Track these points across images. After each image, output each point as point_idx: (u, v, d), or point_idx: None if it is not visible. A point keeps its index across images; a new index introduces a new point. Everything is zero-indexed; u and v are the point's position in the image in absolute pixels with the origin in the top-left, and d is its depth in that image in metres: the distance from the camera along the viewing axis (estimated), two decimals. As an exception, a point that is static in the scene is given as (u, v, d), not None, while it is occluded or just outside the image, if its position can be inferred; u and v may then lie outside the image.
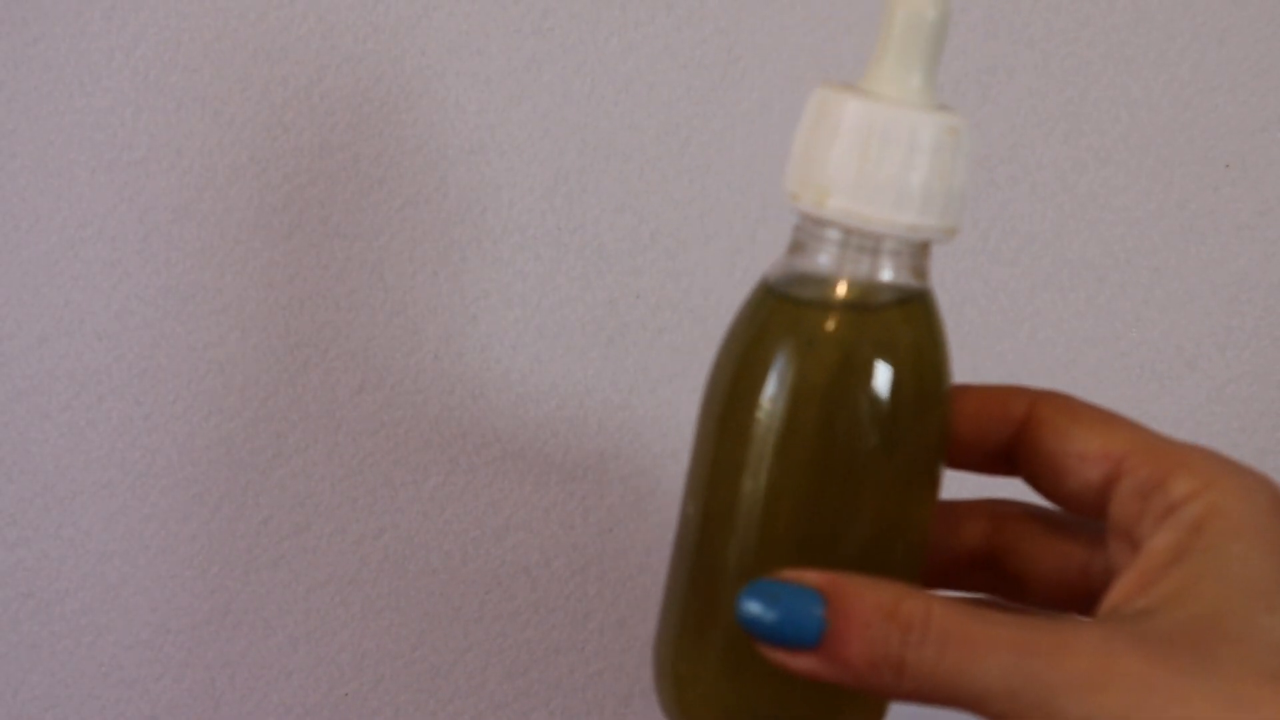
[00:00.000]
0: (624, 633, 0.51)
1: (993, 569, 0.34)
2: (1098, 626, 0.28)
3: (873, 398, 0.30)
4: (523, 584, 0.50)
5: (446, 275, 0.48)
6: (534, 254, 0.48)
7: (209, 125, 0.47)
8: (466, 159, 0.48)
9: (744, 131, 0.49)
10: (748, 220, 0.49)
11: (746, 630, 0.29)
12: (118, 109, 0.46)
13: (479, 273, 0.48)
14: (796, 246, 0.32)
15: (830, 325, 0.31)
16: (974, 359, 0.51)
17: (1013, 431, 0.32)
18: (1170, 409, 0.52)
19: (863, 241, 0.31)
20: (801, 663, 0.29)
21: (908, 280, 0.31)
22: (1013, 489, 0.36)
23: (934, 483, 0.32)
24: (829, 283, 0.31)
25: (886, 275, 0.31)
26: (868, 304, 0.31)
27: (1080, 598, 0.33)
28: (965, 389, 0.33)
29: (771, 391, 0.31)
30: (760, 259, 0.50)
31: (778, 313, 0.32)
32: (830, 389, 0.31)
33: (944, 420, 0.32)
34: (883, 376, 0.30)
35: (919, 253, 0.31)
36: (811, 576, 0.29)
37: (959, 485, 0.34)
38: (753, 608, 0.29)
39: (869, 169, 0.30)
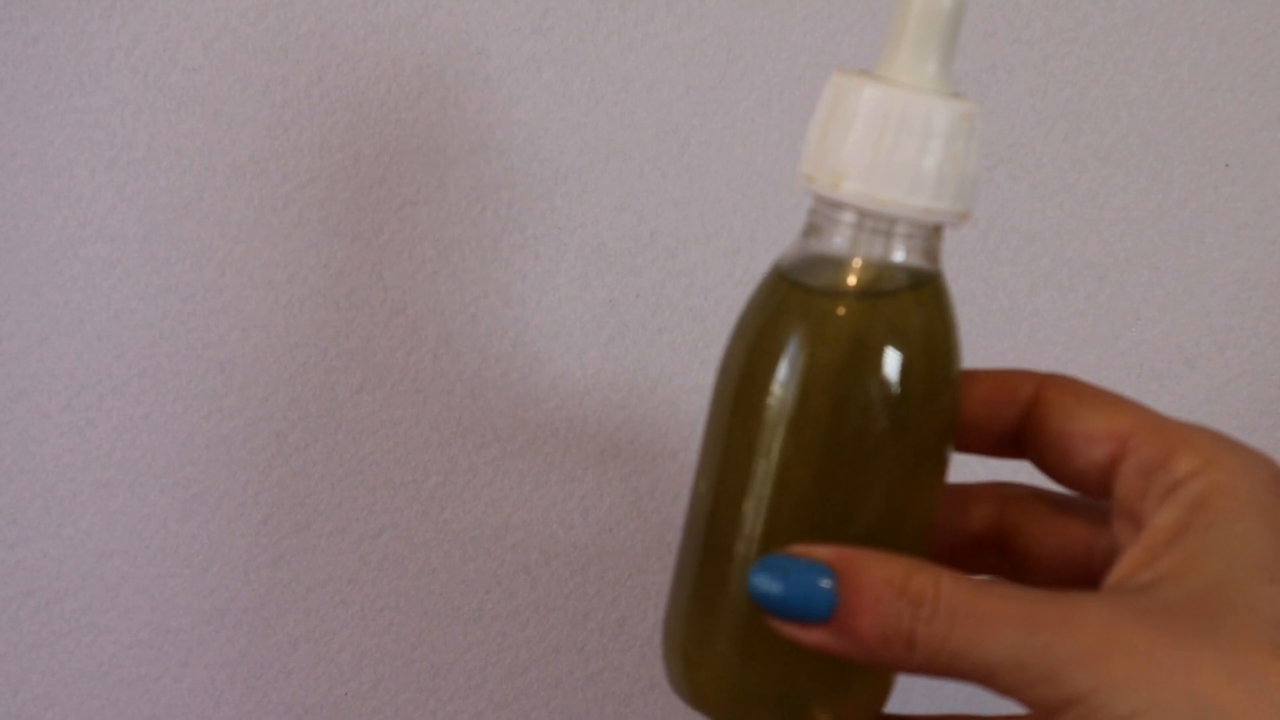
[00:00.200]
0: (624, 632, 0.51)
1: (999, 550, 0.35)
2: (1103, 600, 0.28)
3: (884, 382, 0.31)
4: (522, 583, 0.50)
5: (446, 275, 0.48)
6: (533, 253, 0.48)
7: (209, 125, 0.47)
8: (466, 159, 0.48)
9: (743, 131, 0.49)
10: (747, 220, 0.49)
11: (758, 604, 0.29)
12: (118, 109, 0.46)
13: (478, 272, 0.48)
14: (811, 229, 0.32)
15: (842, 310, 0.31)
16: (974, 358, 0.51)
17: (1020, 413, 0.33)
18: (1170, 408, 0.51)
19: (876, 224, 0.31)
20: (812, 636, 0.29)
21: (920, 263, 0.31)
22: (1019, 474, 0.36)
23: (943, 465, 0.32)
24: (843, 265, 0.31)
25: (899, 258, 0.31)
26: (879, 289, 0.31)
27: (1084, 578, 0.33)
28: (974, 373, 0.33)
29: (784, 375, 0.31)
30: (760, 258, 0.50)
31: (790, 298, 0.32)
32: (842, 373, 0.31)
33: (954, 403, 0.32)
34: (894, 361, 0.31)
35: (931, 236, 0.31)
36: (822, 551, 0.29)
37: (966, 469, 0.34)
38: (764, 582, 0.29)
39: (884, 153, 0.30)
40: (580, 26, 0.47)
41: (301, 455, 0.49)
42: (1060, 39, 0.50)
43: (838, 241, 0.31)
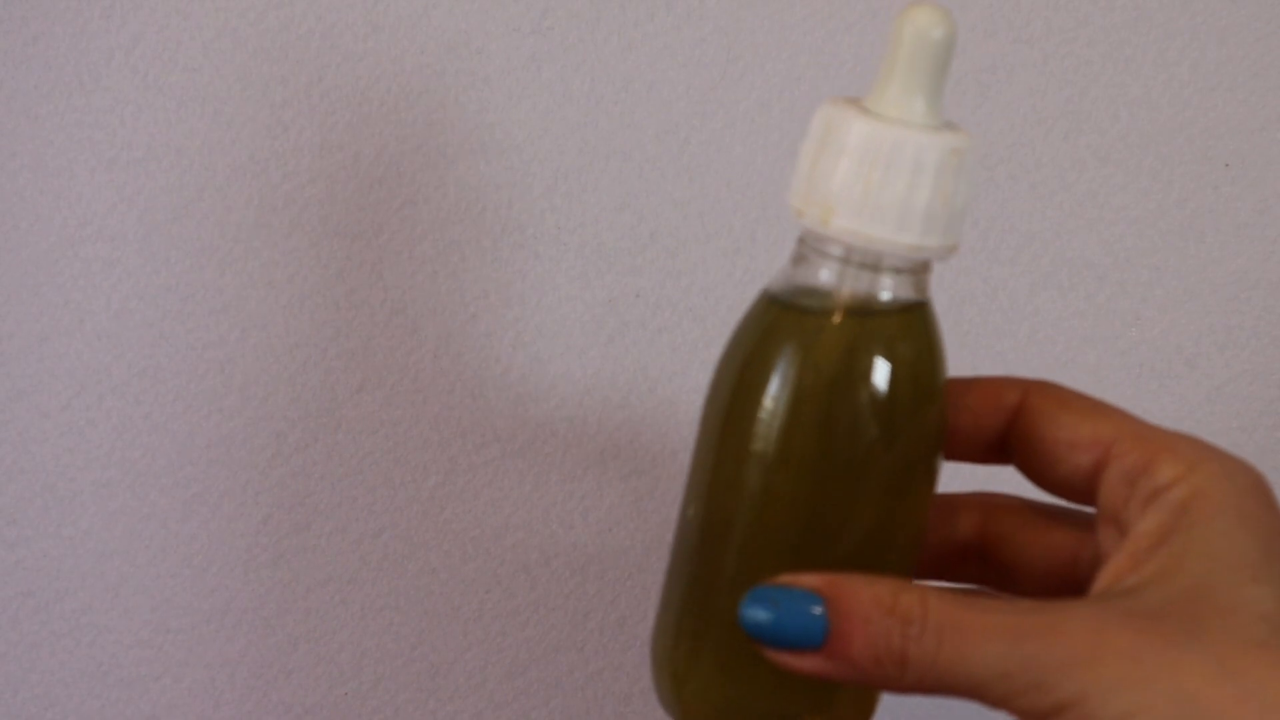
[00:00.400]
0: (623, 632, 0.51)
1: (984, 560, 0.35)
2: (1087, 605, 0.29)
3: (870, 408, 0.31)
4: (522, 583, 0.50)
5: (446, 274, 0.48)
6: (533, 253, 0.48)
7: (209, 125, 0.47)
8: (466, 159, 0.48)
9: (743, 131, 0.49)
10: (747, 220, 0.49)
11: (751, 636, 0.30)
12: (118, 109, 0.46)
13: (478, 272, 0.48)
14: (799, 259, 0.32)
15: (829, 337, 0.31)
16: (974, 358, 0.51)
17: (1007, 420, 0.33)
18: (1170, 407, 0.52)
19: (864, 258, 0.31)
20: (807, 663, 0.29)
21: (908, 294, 0.32)
22: (1005, 483, 0.36)
23: (930, 485, 0.33)
24: (830, 297, 0.32)
25: (886, 291, 0.31)
26: (866, 316, 0.32)
27: (1069, 585, 0.33)
28: (962, 381, 0.34)
29: (772, 401, 0.31)
30: (760, 259, 0.50)
31: (778, 324, 0.32)
32: (829, 400, 0.31)
33: (939, 426, 0.32)
34: (880, 387, 0.31)
35: (920, 270, 0.32)
36: (810, 579, 0.30)
37: (955, 478, 0.34)
38: (756, 614, 0.29)
39: (873, 190, 0.30)
40: (580, 26, 0.47)
41: (301, 455, 0.49)
42: (1060, 39, 0.50)
43: (825, 274, 0.32)
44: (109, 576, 0.49)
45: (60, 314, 0.47)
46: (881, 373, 0.31)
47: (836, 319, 0.32)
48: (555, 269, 0.49)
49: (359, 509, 0.49)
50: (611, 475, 0.50)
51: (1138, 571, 0.29)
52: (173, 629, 0.49)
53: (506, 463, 0.49)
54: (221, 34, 0.46)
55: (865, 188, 0.30)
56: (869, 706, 0.33)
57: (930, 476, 0.33)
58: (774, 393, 0.31)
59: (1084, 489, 0.32)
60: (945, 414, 0.33)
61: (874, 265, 0.31)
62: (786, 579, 0.30)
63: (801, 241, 0.32)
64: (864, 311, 0.32)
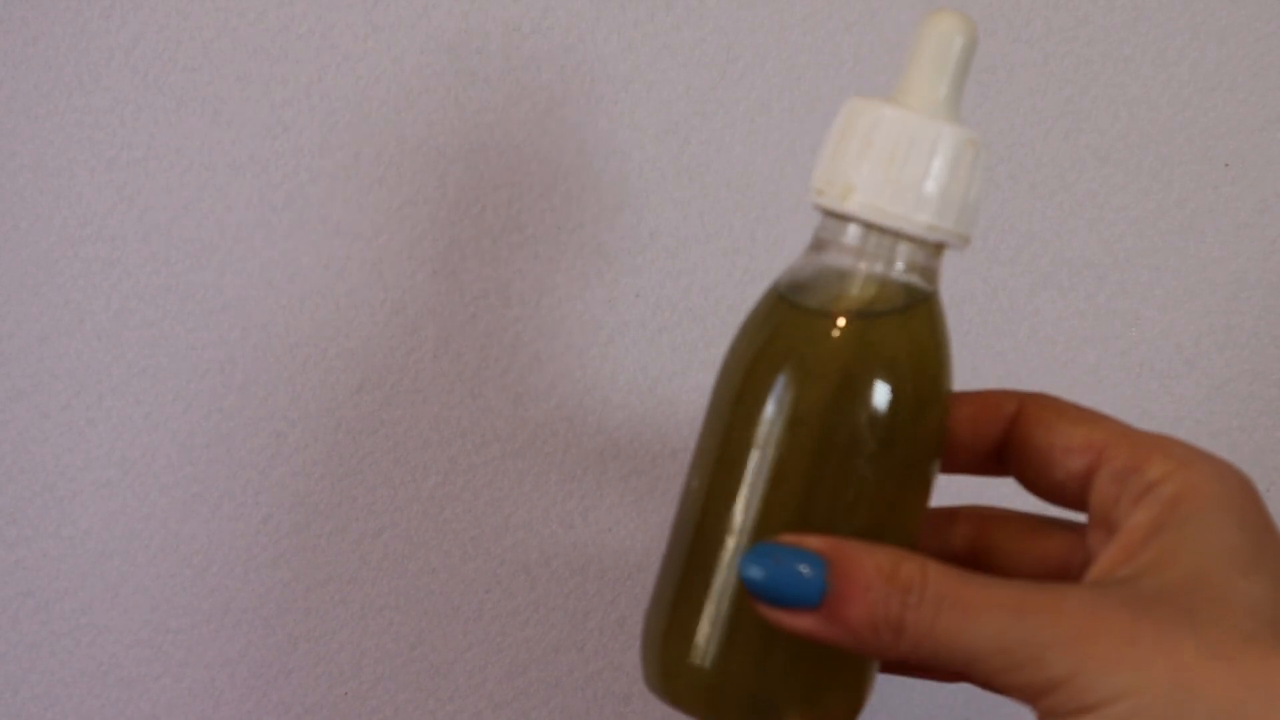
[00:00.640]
0: (623, 632, 0.51)
1: (976, 569, 0.35)
2: (1086, 588, 0.29)
3: (874, 400, 0.32)
4: (522, 583, 0.50)
5: (445, 274, 0.48)
6: (533, 253, 0.48)
7: (209, 125, 0.47)
8: (466, 158, 0.48)
9: (743, 131, 0.49)
10: (747, 220, 0.49)
11: (748, 590, 0.30)
12: (118, 109, 0.46)
13: (478, 272, 0.48)
14: (817, 244, 0.33)
15: (836, 330, 0.32)
16: (974, 358, 0.51)
17: (1003, 430, 0.34)
18: (1169, 407, 0.52)
19: (880, 241, 0.32)
20: (801, 622, 0.30)
21: (919, 283, 0.33)
22: (995, 498, 0.37)
23: (928, 479, 0.33)
24: (844, 281, 0.33)
25: (899, 276, 0.33)
26: (874, 310, 0.33)
27: None
28: (959, 395, 0.34)
29: (777, 392, 0.32)
30: (760, 259, 0.50)
31: (787, 317, 0.33)
32: (834, 391, 0.32)
33: (942, 418, 0.33)
34: (884, 380, 0.32)
35: (932, 255, 0.33)
36: (812, 541, 0.30)
37: (943, 494, 0.35)
38: (754, 567, 0.30)
39: (893, 170, 0.32)
40: (580, 26, 0.48)
41: (301, 455, 0.49)
42: (1060, 39, 0.50)
43: (842, 257, 0.33)
44: (109, 576, 0.49)
45: (60, 314, 0.47)
46: (885, 371, 0.32)
47: (848, 310, 0.33)
48: (555, 268, 0.49)
49: (359, 509, 0.49)
50: (611, 475, 0.50)
51: (1131, 563, 0.30)
52: (173, 629, 0.49)
53: (506, 463, 0.49)
54: (221, 34, 0.46)
55: (885, 168, 0.32)
56: (857, 703, 0.33)
57: (929, 468, 0.33)
58: (779, 385, 0.32)
59: (1077, 493, 0.33)
60: (948, 409, 0.33)
61: (890, 249, 0.32)
62: (790, 538, 0.30)
63: (820, 227, 0.33)
64: (874, 301, 0.33)
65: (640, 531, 0.50)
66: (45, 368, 0.47)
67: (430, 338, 0.48)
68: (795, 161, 0.49)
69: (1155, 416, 0.51)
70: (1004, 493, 0.36)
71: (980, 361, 0.51)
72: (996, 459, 0.35)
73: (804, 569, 0.30)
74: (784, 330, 0.33)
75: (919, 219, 0.32)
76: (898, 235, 0.32)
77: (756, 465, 0.32)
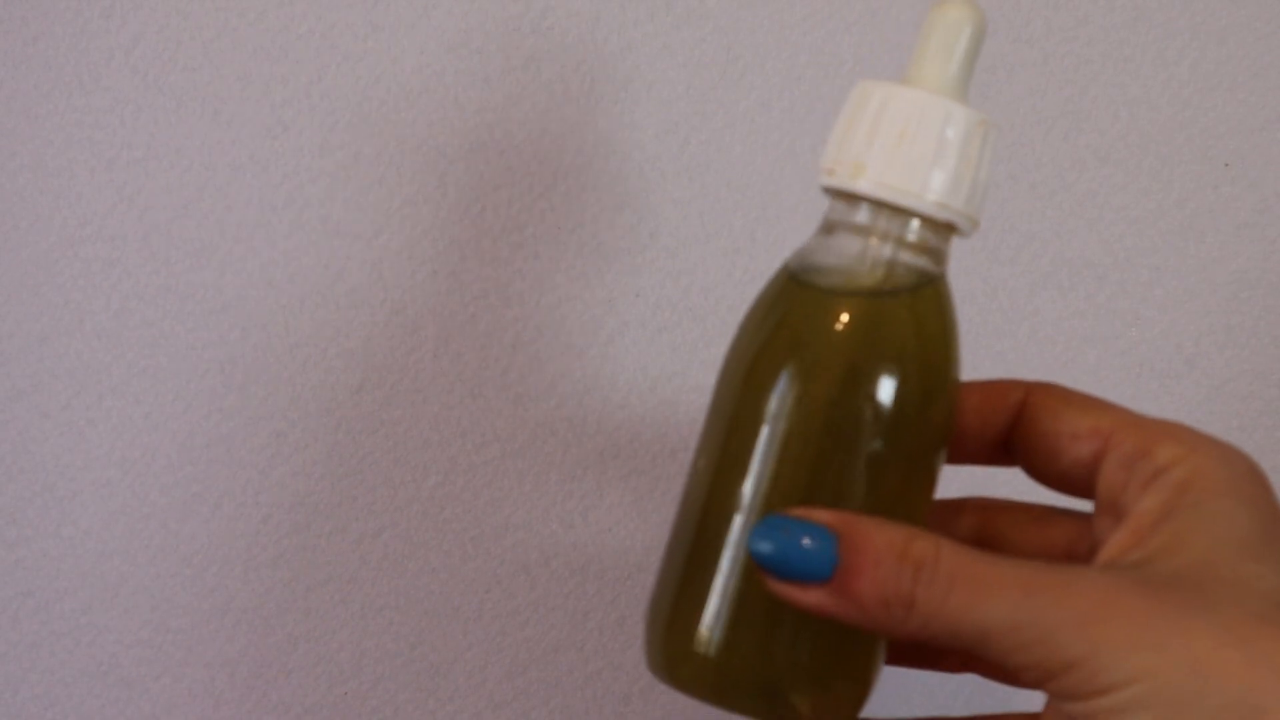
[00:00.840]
0: (623, 631, 0.51)
1: None
2: (1099, 570, 0.29)
3: (883, 382, 0.32)
4: (522, 583, 0.50)
5: (445, 274, 0.48)
6: (532, 252, 0.48)
7: (209, 125, 0.47)
8: (466, 158, 0.48)
9: (743, 131, 0.49)
10: (747, 219, 0.49)
11: (758, 564, 0.30)
12: (118, 109, 0.46)
13: (478, 271, 0.48)
14: (827, 227, 0.33)
15: (845, 312, 0.32)
16: (974, 357, 0.51)
17: (1010, 418, 0.34)
18: (1169, 407, 0.52)
19: (890, 221, 0.32)
20: (811, 597, 0.29)
21: (927, 265, 0.33)
22: (1000, 489, 0.36)
23: (936, 461, 0.33)
24: (854, 263, 0.33)
25: (908, 258, 0.33)
26: (883, 290, 0.33)
27: None
28: (966, 385, 0.34)
29: (787, 374, 0.32)
30: (760, 259, 0.50)
31: (797, 297, 0.33)
32: (843, 375, 0.32)
33: (950, 400, 0.33)
34: (894, 361, 0.32)
35: (941, 237, 0.33)
36: (823, 515, 0.30)
37: (948, 485, 0.35)
38: (764, 541, 0.30)
39: (904, 149, 0.32)
40: (580, 26, 0.48)
41: (301, 455, 0.49)
42: (1060, 39, 0.50)
43: (852, 238, 0.33)
44: (109, 576, 0.49)
45: (60, 314, 0.47)
46: (894, 349, 0.32)
47: (852, 293, 0.33)
48: (554, 268, 0.49)
49: (359, 509, 0.49)
50: (611, 475, 0.50)
51: (1141, 547, 0.29)
52: (173, 629, 0.49)
53: (506, 463, 0.49)
54: (221, 34, 0.46)
55: (896, 147, 0.32)
56: (864, 690, 0.33)
57: (939, 450, 0.33)
58: (789, 367, 0.32)
59: (1085, 479, 0.33)
60: (957, 390, 0.33)
61: (899, 230, 0.32)
62: (800, 511, 0.30)
63: (830, 209, 0.33)
64: (883, 283, 0.33)
65: (640, 531, 0.50)
66: (45, 368, 0.47)
67: (430, 338, 0.48)
68: (795, 162, 0.49)
69: (1155, 416, 0.51)
70: (1010, 487, 0.36)
71: (980, 361, 0.51)
72: (1003, 448, 0.34)
73: (814, 542, 0.29)
74: (794, 311, 0.33)
75: (929, 197, 0.32)
76: (908, 213, 0.32)
77: (765, 446, 0.32)
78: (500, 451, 0.49)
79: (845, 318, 0.32)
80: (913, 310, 0.33)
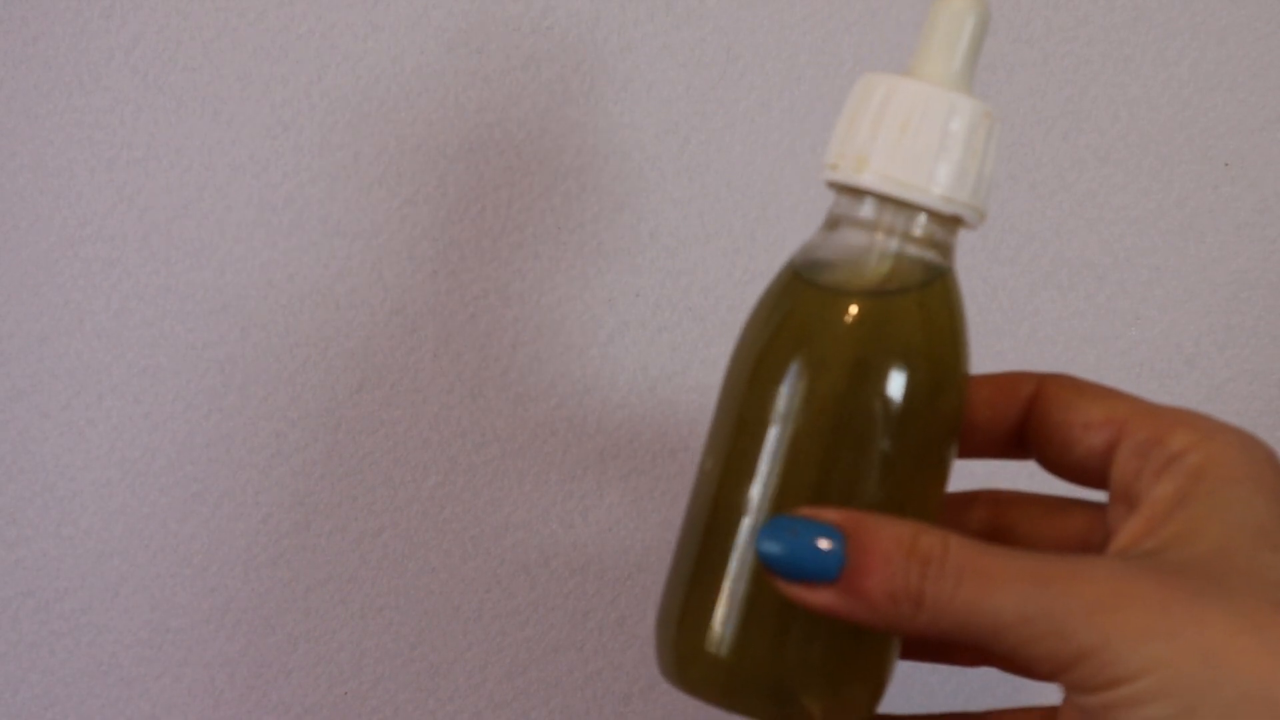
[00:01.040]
0: (623, 631, 0.51)
1: None
2: (1110, 558, 0.29)
3: (892, 380, 0.31)
4: (522, 583, 0.50)
5: (445, 274, 0.48)
6: (532, 252, 0.48)
7: (209, 125, 0.47)
8: (466, 158, 0.48)
9: (743, 131, 0.49)
10: (747, 219, 0.49)
11: (766, 566, 0.29)
12: (118, 109, 0.46)
13: (478, 271, 0.48)
14: (831, 222, 0.33)
15: (852, 309, 0.32)
16: (974, 357, 0.51)
17: (1023, 411, 0.34)
18: (1170, 408, 0.52)
19: (895, 214, 0.32)
20: (819, 597, 0.29)
21: (935, 259, 0.32)
22: (1009, 483, 0.36)
23: (946, 458, 0.33)
24: (860, 258, 0.32)
25: (915, 252, 0.32)
26: (891, 287, 0.32)
27: None
28: (977, 378, 0.34)
29: (794, 372, 0.32)
30: (760, 259, 0.50)
31: (803, 295, 0.33)
32: (851, 373, 0.32)
33: (960, 396, 0.33)
34: (902, 359, 0.32)
35: (948, 230, 0.32)
36: (830, 514, 0.29)
37: (956, 480, 0.34)
38: (771, 542, 0.29)
39: (908, 141, 0.31)
40: (580, 26, 0.48)
41: (301, 455, 0.49)
42: (1060, 39, 0.50)
43: (857, 233, 0.32)
44: (109, 576, 0.49)
45: (60, 314, 0.47)
46: (903, 347, 0.32)
47: (859, 290, 0.32)
48: (554, 268, 0.49)
49: (359, 509, 0.49)
50: (611, 475, 0.50)
51: (1155, 535, 0.29)
52: (173, 629, 0.49)
53: (506, 463, 0.49)
54: (221, 34, 0.46)
55: (899, 138, 0.31)
56: (877, 691, 0.33)
57: (949, 447, 0.33)
58: (796, 366, 0.32)
59: (1099, 471, 0.32)
60: (966, 387, 0.33)
61: (905, 224, 0.32)
62: (807, 511, 0.30)
63: (835, 204, 0.33)
64: (890, 278, 0.32)
65: (640, 531, 0.50)
66: (45, 368, 0.47)
67: (430, 338, 0.48)
68: (795, 162, 0.49)
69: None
70: (1022, 481, 0.36)
71: (981, 361, 0.50)
72: (1016, 441, 0.34)
73: (822, 542, 0.29)
74: (799, 309, 0.32)
75: (934, 190, 0.31)
76: (913, 207, 0.32)
77: (773, 445, 0.31)
78: (500, 451, 0.49)
79: (853, 315, 0.32)
80: (922, 306, 0.32)
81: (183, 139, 0.47)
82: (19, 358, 0.47)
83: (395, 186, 0.48)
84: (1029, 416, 0.33)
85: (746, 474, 0.32)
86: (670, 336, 0.49)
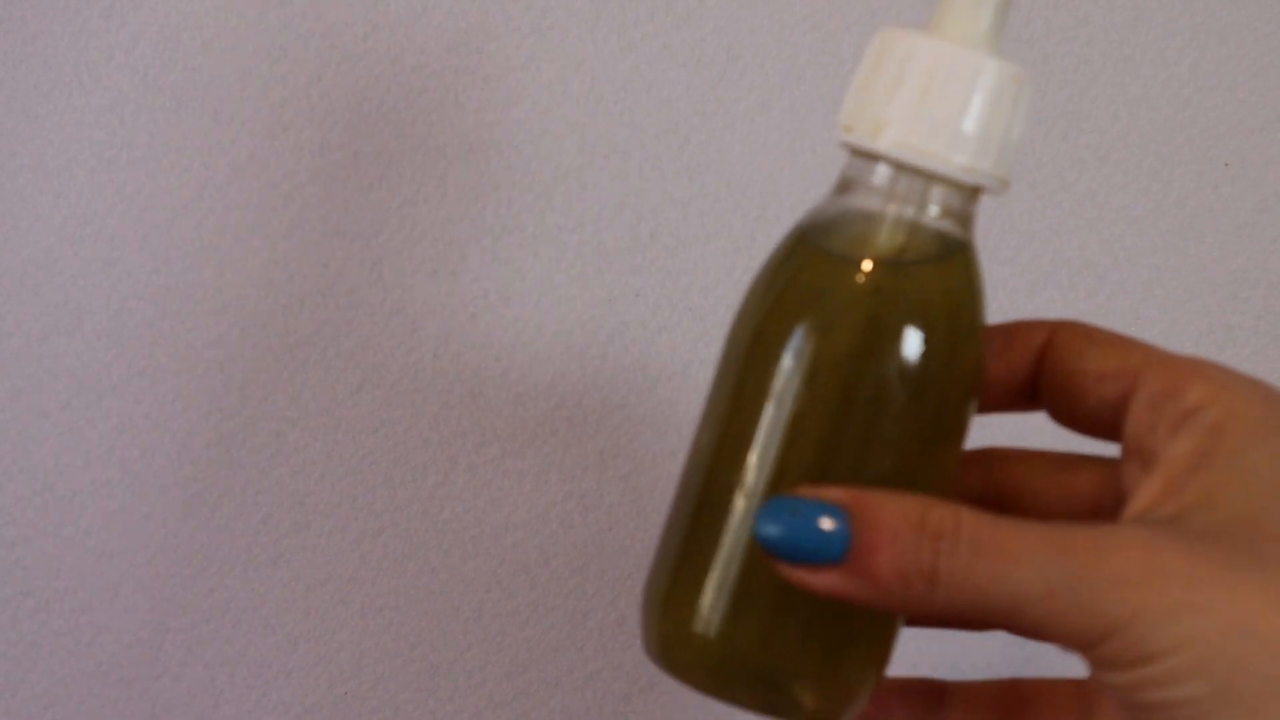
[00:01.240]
0: (623, 631, 0.51)
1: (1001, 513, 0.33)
2: (1133, 526, 0.27)
3: (903, 356, 0.29)
4: (522, 583, 0.50)
5: (445, 274, 0.48)
6: (533, 252, 0.48)
7: (209, 125, 0.47)
8: (466, 158, 0.48)
9: (743, 130, 0.49)
10: (747, 219, 0.49)
11: (765, 549, 0.28)
12: (118, 108, 0.46)
13: (478, 271, 0.48)
14: (843, 185, 0.31)
15: (862, 279, 0.30)
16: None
17: (1034, 360, 0.32)
18: (1170, 408, 0.52)
19: (912, 182, 0.30)
20: (824, 580, 0.27)
21: (952, 229, 0.30)
22: (1028, 437, 0.35)
23: (960, 432, 0.31)
24: (872, 225, 0.30)
25: (932, 222, 0.30)
26: (905, 259, 0.30)
27: None
28: (988, 328, 0.32)
29: (799, 342, 0.29)
30: (760, 258, 0.50)
31: (811, 262, 0.31)
32: (860, 345, 0.30)
33: (975, 374, 0.31)
34: (916, 338, 0.29)
35: (967, 199, 0.30)
36: (832, 492, 0.28)
37: (970, 434, 0.33)
38: (771, 524, 0.27)
39: (928, 105, 0.29)
40: (580, 26, 0.48)
41: (301, 455, 0.49)
42: (1060, 39, 0.50)
43: (870, 199, 0.30)
44: (109, 576, 0.49)
45: (60, 314, 0.47)
46: (917, 322, 0.29)
47: (876, 257, 0.30)
48: (555, 268, 0.49)
49: (359, 509, 0.49)
50: (611, 475, 0.50)
51: (1176, 498, 0.27)
52: (173, 629, 0.49)
53: (506, 462, 0.49)
54: (221, 34, 0.46)
55: (921, 103, 0.29)
56: (872, 679, 0.31)
57: (962, 425, 0.31)
58: (802, 336, 0.29)
59: (1111, 421, 0.31)
60: (982, 362, 0.31)
61: (921, 192, 0.30)
62: (808, 490, 0.28)
63: (847, 165, 0.31)
64: (905, 249, 0.30)
65: (640, 532, 0.50)
66: (45, 368, 0.47)
67: (430, 337, 0.48)
68: (795, 162, 0.49)
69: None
70: (1030, 439, 0.35)
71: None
72: (1027, 393, 0.32)
73: (824, 521, 0.27)
74: (806, 275, 0.30)
75: (955, 159, 0.29)
76: (931, 176, 0.29)
77: (772, 418, 0.29)
78: (500, 451, 0.49)
79: (862, 286, 0.30)
80: (938, 282, 0.30)
81: (183, 139, 0.47)
82: (19, 358, 0.47)
83: (395, 187, 0.48)
84: (1040, 367, 0.32)
85: (744, 449, 0.30)
86: (670, 337, 0.49)
